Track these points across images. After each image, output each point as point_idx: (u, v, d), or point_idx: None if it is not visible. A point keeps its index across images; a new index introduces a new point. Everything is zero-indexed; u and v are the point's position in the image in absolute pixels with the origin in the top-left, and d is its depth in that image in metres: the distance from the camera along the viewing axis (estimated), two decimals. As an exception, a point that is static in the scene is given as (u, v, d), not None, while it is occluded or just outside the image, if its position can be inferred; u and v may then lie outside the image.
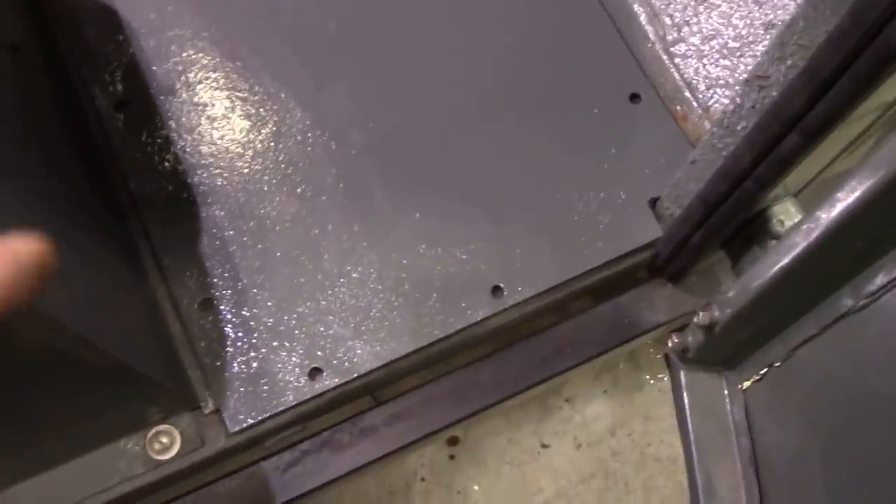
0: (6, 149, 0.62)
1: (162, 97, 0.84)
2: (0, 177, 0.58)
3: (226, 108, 0.85)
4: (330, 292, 0.79)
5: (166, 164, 0.82)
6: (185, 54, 0.86)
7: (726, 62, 0.87)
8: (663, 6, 0.90)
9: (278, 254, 0.80)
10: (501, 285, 0.81)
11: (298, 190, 0.82)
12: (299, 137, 0.84)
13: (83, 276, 0.65)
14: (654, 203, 0.84)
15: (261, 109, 0.85)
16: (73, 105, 0.82)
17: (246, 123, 0.84)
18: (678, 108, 0.88)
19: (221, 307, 0.78)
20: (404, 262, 0.81)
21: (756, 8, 0.88)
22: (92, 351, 0.62)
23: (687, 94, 0.87)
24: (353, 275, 0.80)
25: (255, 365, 0.76)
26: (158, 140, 0.83)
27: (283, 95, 0.86)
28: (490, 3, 0.92)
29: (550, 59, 0.89)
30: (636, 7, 0.91)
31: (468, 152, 0.85)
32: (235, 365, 0.76)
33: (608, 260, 0.83)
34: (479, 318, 0.80)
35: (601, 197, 0.84)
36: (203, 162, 0.82)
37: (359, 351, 0.78)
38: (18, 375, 0.62)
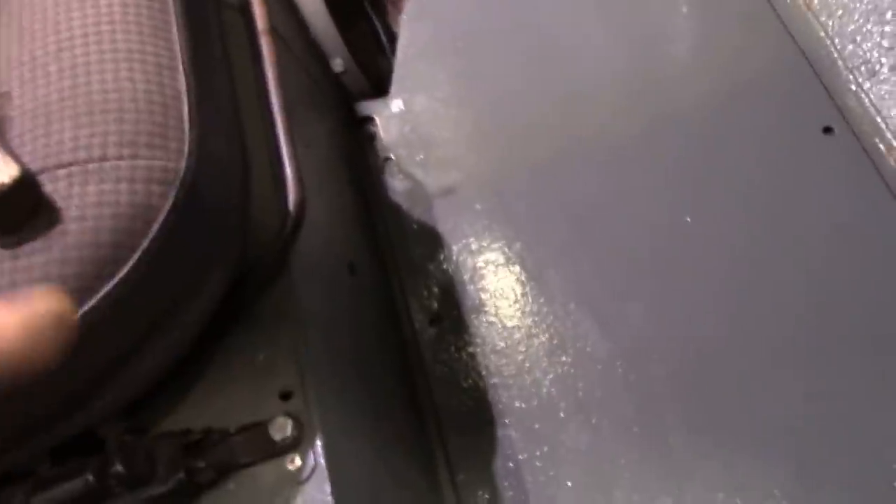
0: (339, 363, 0.69)
1: (472, 316, 0.90)
2: (330, 391, 0.64)
3: (530, 330, 0.88)
4: (618, 531, 0.78)
5: (470, 380, 0.86)
6: (496, 276, 0.92)
7: None
8: None
9: (569, 483, 0.80)
10: (805, 551, 0.75)
11: (593, 420, 0.83)
12: (599, 366, 0.85)
13: (391, 498, 0.69)
14: None
15: (564, 334, 0.87)
16: (392, 317, 0.89)
17: (547, 347, 0.87)
18: None
19: (509, 532, 0.79)
20: (699, 510, 0.77)
21: None
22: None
23: None
24: (644, 516, 0.78)
25: None
26: (465, 356, 0.87)
27: (585, 321, 0.88)
28: (829, 232, 0.89)
29: (880, 309, 0.84)
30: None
31: (780, 400, 0.81)
32: None
33: (932, 537, 0.74)
34: (778, 584, 0.74)
35: (927, 467, 0.77)
36: (504, 382, 0.85)
37: None
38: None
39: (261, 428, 0.58)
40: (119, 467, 0.55)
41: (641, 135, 0.98)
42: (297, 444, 0.58)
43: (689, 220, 0.92)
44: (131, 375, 0.53)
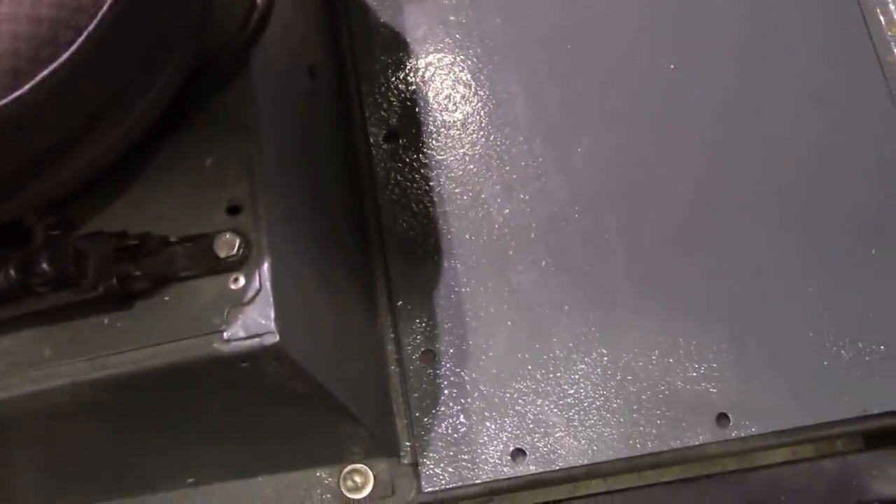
0: (292, 177, 0.64)
1: (432, 137, 0.84)
2: (281, 208, 0.59)
3: (490, 161, 0.84)
4: (551, 375, 0.77)
5: (421, 205, 0.82)
6: (463, 98, 0.86)
7: None
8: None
9: (509, 322, 0.79)
10: (729, 415, 0.76)
11: (542, 263, 0.80)
12: (555, 209, 0.82)
13: (331, 323, 0.66)
14: (916, 366, 0.77)
15: (525, 170, 0.83)
16: (347, 130, 0.83)
17: (506, 181, 0.83)
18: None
19: (442, 362, 0.78)
20: (633, 364, 0.77)
21: None
22: (324, 397, 0.62)
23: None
24: (579, 364, 0.77)
25: (461, 430, 0.76)
26: (418, 179, 0.83)
27: (548, 159, 0.84)
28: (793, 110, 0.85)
29: (841, 185, 0.82)
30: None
31: (725, 266, 0.80)
32: (443, 425, 0.76)
33: (851, 417, 0.76)
34: (697, 443, 0.75)
35: (858, 346, 0.78)
36: (456, 212, 0.82)
37: (566, 444, 0.75)
38: (251, 400, 0.63)
39: (205, 241, 0.53)
40: (44, 265, 0.50)
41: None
42: (242, 262, 0.53)
43: (672, 66, 0.87)
44: (66, 168, 0.47)
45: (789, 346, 0.78)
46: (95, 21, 0.42)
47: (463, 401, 0.76)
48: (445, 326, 0.79)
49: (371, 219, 0.82)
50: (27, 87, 0.40)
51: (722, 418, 0.76)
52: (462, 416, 0.76)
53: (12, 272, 0.50)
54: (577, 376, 0.77)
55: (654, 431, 0.76)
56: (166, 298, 0.53)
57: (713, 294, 0.80)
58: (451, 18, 0.89)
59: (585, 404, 0.76)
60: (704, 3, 0.89)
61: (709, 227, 0.82)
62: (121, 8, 0.42)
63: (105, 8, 0.42)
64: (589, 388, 0.77)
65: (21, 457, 0.66)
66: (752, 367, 0.77)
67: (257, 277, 0.53)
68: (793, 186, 0.83)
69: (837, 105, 0.85)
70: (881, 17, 0.88)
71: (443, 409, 0.76)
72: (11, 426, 0.59)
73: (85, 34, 0.41)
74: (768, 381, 0.77)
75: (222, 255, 0.53)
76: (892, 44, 0.87)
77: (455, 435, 0.75)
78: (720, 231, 0.81)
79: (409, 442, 0.76)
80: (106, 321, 0.53)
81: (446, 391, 0.77)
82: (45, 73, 0.40)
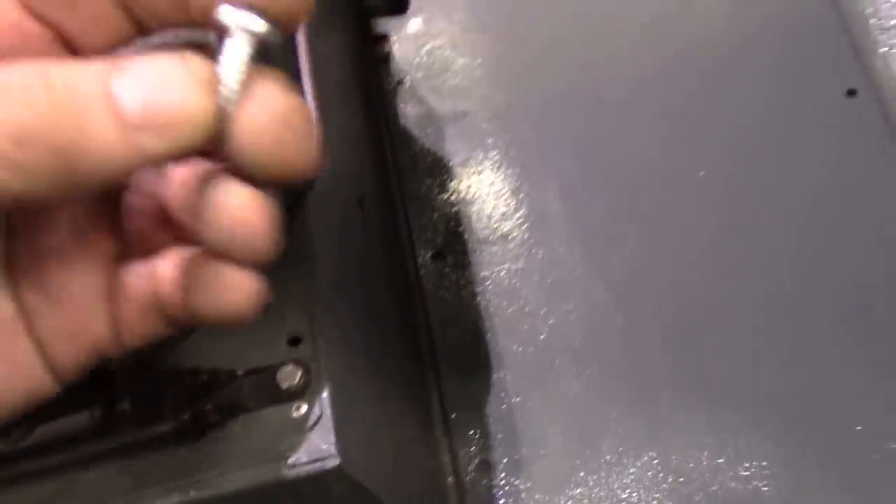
0: (348, 303, 0.68)
1: (476, 254, 0.89)
2: (338, 335, 0.63)
3: (532, 273, 0.88)
4: (603, 481, 0.79)
5: (469, 321, 0.86)
6: (503, 215, 0.91)
7: None
8: None
9: (559, 430, 0.81)
10: (784, 513, 0.77)
11: (587, 371, 0.83)
12: (597, 317, 0.85)
13: (389, 439, 0.69)
14: (968, 459, 0.77)
15: (565, 279, 0.87)
16: (396, 252, 0.89)
17: (549, 292, 0.87)
18: None
19: (498, 472, 0.80)
20: (684, 466, 0.79)
21: None
22: (384, 513, 0.66)
23: None
24: (630, 469, 0.79)
25: (519, 540, 0.78)
26: (466, 295, 0.87)
27: (588, 269, 0.88)
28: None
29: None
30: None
31: (771, 359, 0.82)
32: (501, 535, 0.78)
33: (906, 511, 0.76)
34: (753, 543, 0.76)
35: (907, 440, 0.79)
36: (503, 325, 0.86)
37: (623, 549, 0.77)
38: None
39: (269, 373, 0.58)
40: (126, 404, 0.55)
41: (655, 77, 0.96)
42: (303, 391, 0.58)
43: (701, 174, 0.91)
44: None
45: (838, 440, 0.79)
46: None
47: (519, 510, 0.79)
48: (499, 437, 0.81)
49: (422, 335, 0.86)
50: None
51: (776, 517, 0.77)
52: (519, 525, 0.78)
53: (98, 413, 0.55)
54: (628, 480, 0.79)
55: (709, 533, 0.77)
56: (235, 428, 0.58)
57: (760, 387, 0.81)
58: (489, 141, 0.94)
59: (639, 508, 0.78)
60: (729, 101, 0.93)
61: (746, 324, 0.84)
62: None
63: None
64: (641, 491, 0.78)
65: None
66: (802, 463, 0.78)
67: (318, 404, 0.57)
68: (830, 280, 0.85)
69: (870, 205, 0.88)
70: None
71: (500, 518, 0.79)
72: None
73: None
74: (819, 476, 0.78)
75: (285, 385, 0.57)
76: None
77: (513, 544, 0.78)
78: (764, 324, 0.84)
79: (469, 552, 0.78)
80: (181, 452, 0.58)
81: (502, 500, 0.79)
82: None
